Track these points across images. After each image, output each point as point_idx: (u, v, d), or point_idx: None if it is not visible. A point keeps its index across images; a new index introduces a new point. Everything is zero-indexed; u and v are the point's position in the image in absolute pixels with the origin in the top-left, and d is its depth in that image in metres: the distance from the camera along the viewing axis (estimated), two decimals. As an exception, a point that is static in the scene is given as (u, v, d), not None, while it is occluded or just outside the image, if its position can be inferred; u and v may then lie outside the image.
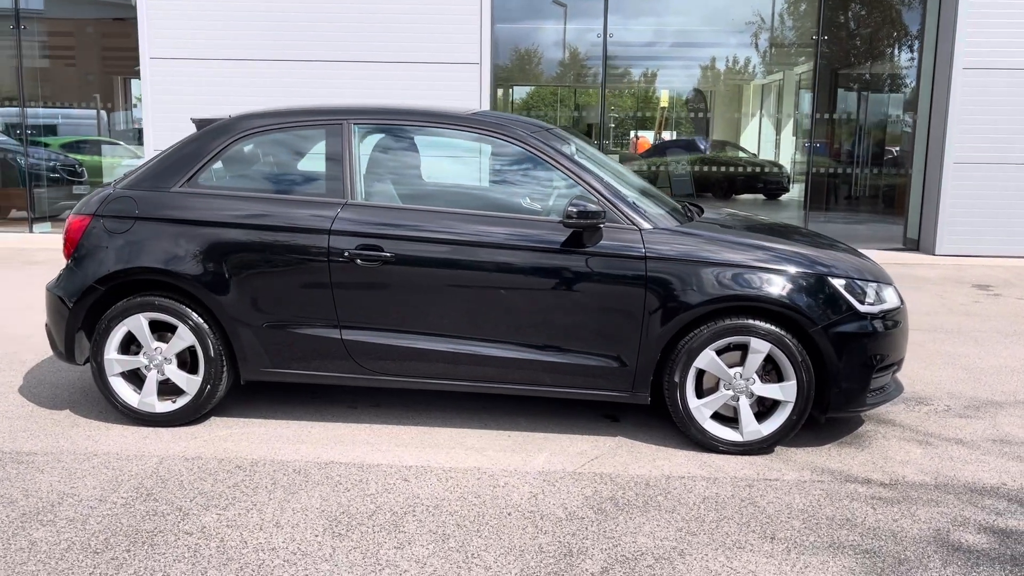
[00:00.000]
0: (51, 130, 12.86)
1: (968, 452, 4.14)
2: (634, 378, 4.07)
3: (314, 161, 4.29)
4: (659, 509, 3.49)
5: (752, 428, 4.04)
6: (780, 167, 16.28)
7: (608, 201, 4.08)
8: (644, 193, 4.64)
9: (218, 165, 4.30)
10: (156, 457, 3.93)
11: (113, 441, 4.11)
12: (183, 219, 4.17)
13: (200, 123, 4.44)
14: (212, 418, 4.43)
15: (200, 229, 4.15)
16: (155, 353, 4.24)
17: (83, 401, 4.63)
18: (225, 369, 4.24)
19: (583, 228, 3.93)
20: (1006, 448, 4.20)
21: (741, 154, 16.84)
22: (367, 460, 3.93)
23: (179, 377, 4.25)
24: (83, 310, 4.23)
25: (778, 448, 4.14)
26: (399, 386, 4.26)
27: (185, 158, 4.30)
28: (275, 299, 4.14)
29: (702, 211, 4.87)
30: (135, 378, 4.32)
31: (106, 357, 4.25)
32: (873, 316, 4.05)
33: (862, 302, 4.03)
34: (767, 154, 16.76)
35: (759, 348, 3.98)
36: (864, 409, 4.11)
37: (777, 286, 3.96)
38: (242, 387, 4.52)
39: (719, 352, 4.04)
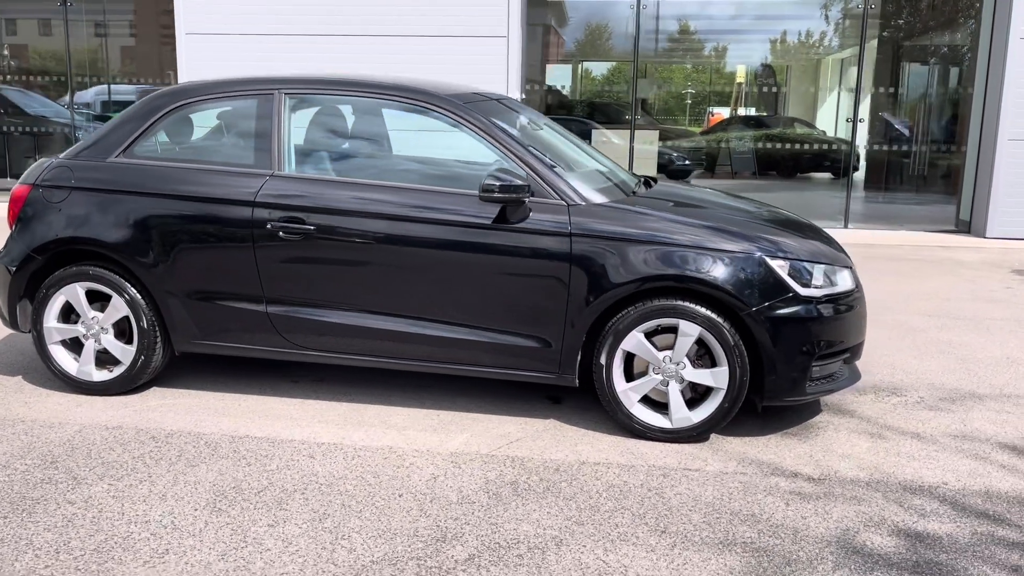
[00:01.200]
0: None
1: (920, 448, 3.86)
2: (560, 359, 3.91)
3: (247, 132, 4.22)
4: (557, 496, 3.35)
5: (682, 415, 3.84)
6: (848, 144, 15.68)
7: (536, 175, 3.91)
8: (592, 168, 4.45)
9: (154, 136, 4.29)
10: (78, 425, 3.96)
11: (45, 408, 4.16)
12: (115, 189, 4.17)
13: (143, 93, 4.42)
14: (153, 388, 4.46)
15: (131, 199, 4.15)
16: (92, 323, 4.27)
17: (39, 369, 4.71)
18: (159, 340, 4.24)
19: (501, 202, 3.78)
20: (964, 445, 3.90)
21: (808, 131, 16.21)
22: (282, 435, 3.89)
23: (114, 347, 4.27)
24: (24, 278, 4.29)
25: (714, 436, 3.94)
26: (326, 362, 4.20)
27: (123, 129, 4.30)
28: (203, 271, 4.11)
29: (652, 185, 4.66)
30: (77, 347, 4.35)
31: (45, 325, 4.30)
32: (817, 300, 3.79)
33: (806, 285, 3.78)
34: (835, 131, 16.12)
35: (689, 331, 3.77)
36: (805, 398, 3.87)
37: (707, 266, 3.74)
38: (199, 359, 4.52)
39: (651, 334, 3.84)
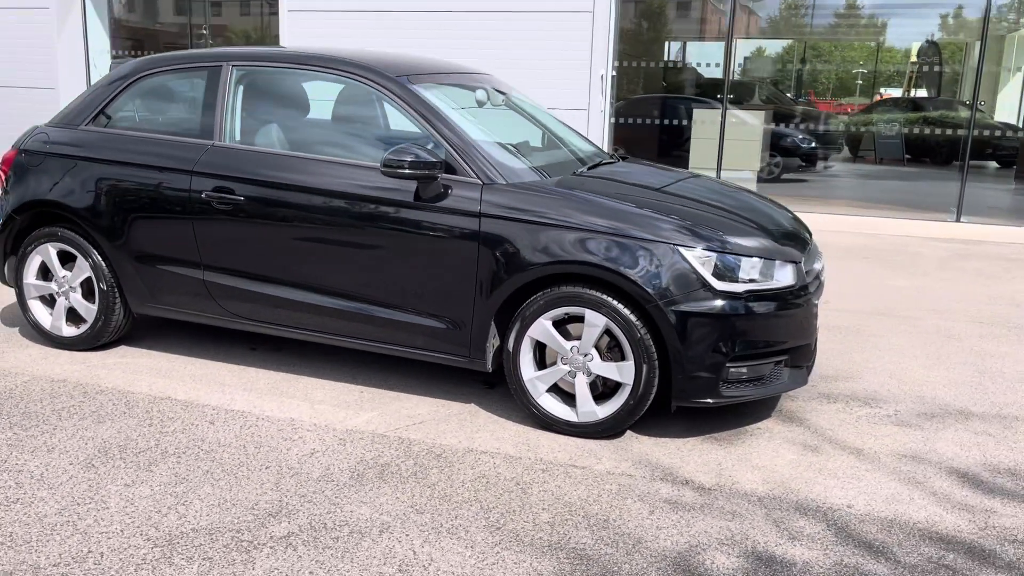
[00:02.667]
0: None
1: (851, 465, 3.48)
2: (471, 343, 3.79)
3: (197, 103, 4.33)
4: (419, 482, 3.26)
5: (588, 409, 3.64)
6: (1017, 130, 14.32)
7: (455, 151, 3.79)
8: (542, 148, 4.27)
9: (117, 105, 4.47)
10: (28, 376, 4.21)
11: (14, 359, 4.45)
12: (78, 156, 4.39)
13: (115, 65, 4.62)
14: (121, 346, 4.68)
15: (91, 166, 4.35)
16: (63, 281, 4.52)
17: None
18: (118, 302, 4.44)
19: (407, 178, 3.68)
20: (906, 467, 3.48)
21: (978, 115, 14.97)
22: (201, 399, 3.98)
23: (80, 306, 4.51)
24: (9, 237, 4.60)
25: (628, 434, 3.72)
26: (257, 331, 4.26)
27: (93, 98, 4.51)
28: (150, 237, 4.26)
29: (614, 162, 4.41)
30: (52, 303, 4.63)
31: (25, 281, 4.60)
32: (737, 295, 3.48)
33: (727, 279, 3.48)
34: (1006, 116, 14.80)
35: (595, 322, 3.56)
36: (722, 401, 3.56)
37: (614, 253, 3.51)
38: (182, 322, 4.68)
39: (564, 323, 3.66)
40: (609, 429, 3.63)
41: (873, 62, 17.03)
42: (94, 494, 3.11)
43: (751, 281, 3.53)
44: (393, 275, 3.84)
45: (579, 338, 3.61)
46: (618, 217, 3.57)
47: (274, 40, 13.71)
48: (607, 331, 3.55)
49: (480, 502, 3.12)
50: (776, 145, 13.60)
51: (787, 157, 13.72)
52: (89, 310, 4.48)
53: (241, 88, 4.23)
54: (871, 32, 15.47)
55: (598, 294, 3.52)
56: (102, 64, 12.95)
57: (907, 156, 14.66)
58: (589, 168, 4.30)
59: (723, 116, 10.74)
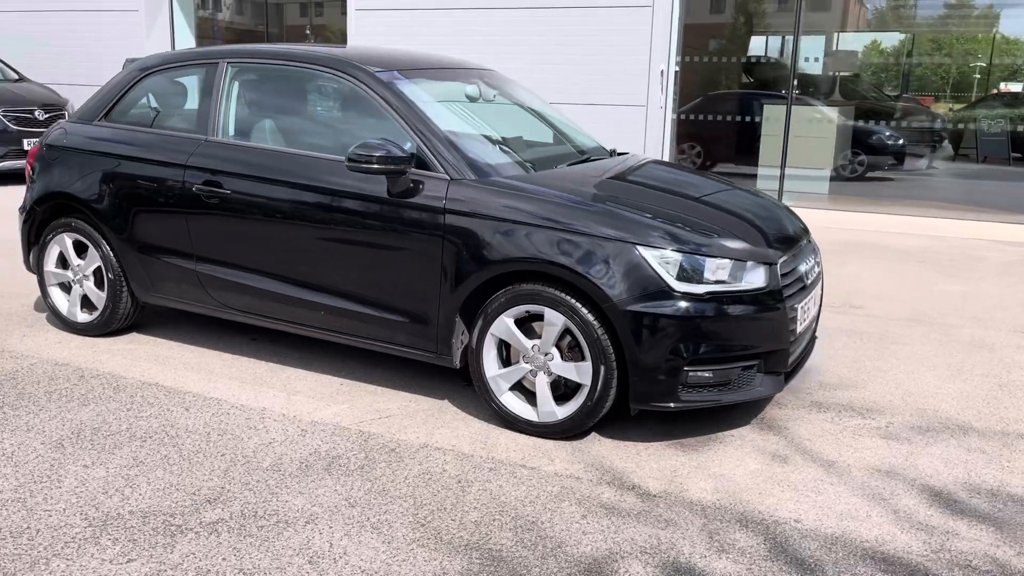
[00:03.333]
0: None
1: (816, 478, 3.32)
2: (437, 339, 3.79)
3: (195, 99, 4.46)
4: (363, 476, 3.28)
5: (548, 409, 3.59)
6: None
7: (426, 146, 3.78)
8: (531, 143, 4.23)
9: (126, 101, 4.65)
10: (36, 359, 4.44)
11: (31, 342, 4.69)
12: (89, 150, 4.59)
13: (128, 62, 4.81)
14: (132, 333, 4.88)
15: (100, 160, 4.54)
16: (77, 270, 4.74)
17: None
18: (124, 290, 4.63)
19: (372, 172, 3.69)
20: (876, 482, 3.30)
21: None
22: (186, 387, 4.11)
23: (92, 293, 4.72)
24: (32, 227, 4.85)
25: (592, 436, 3.64)
26: (246, 321, 4.36)
27: (106, 95, 4.71)
28: (149, 228, 4.42)
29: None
30: (69, 290, 4.86)
31: (45, 269, 4.84)
32: (697, 297, 3.36)
33: (689, 279, 3.36)
34: None
35: (554, 320, 3.50)
36: (682, 406, 3.45)
37: (572, 251, 3.44)
38: (191, 312, 4.85)
39: (527, 321, 3.62)
40: (569, 430, 3.56)
41: (986, 55, 16.11)
42: (53, 473, 3.25)
43: (718, 282, 3.41)
44: (364, 269, 3.87)
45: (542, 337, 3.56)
46: (578, 213, 3.50)
47: (338, 38, 13.97)
48: (568, 330, 3.48)
49: (415, 498, 3.11)
50: (861, 142, 13.05)
51: (873, 155, 13.14)
52: (100, 298, 4.68)
53: (235, 85, 4.33)
54: (983, 23, 14.65)
55: (557, 292, 3.46)
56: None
57: (1014, 155, 13.83)
58: (573, 163, 4.23)
59: (788, 112, 10.38)
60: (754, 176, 11.16)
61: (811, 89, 13.02)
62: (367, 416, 3.81)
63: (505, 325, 3.59)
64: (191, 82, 4.56)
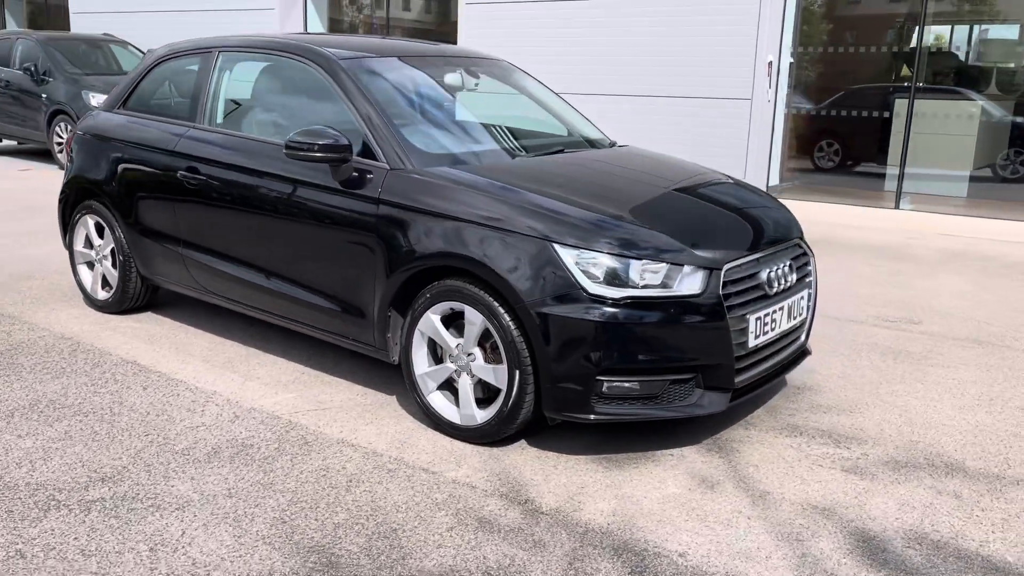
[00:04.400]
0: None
1: (735, 511, 2.97)
2: (375, 333, 3.70)
3: (191, 87, 4.57)
4: (259, 466, 3.24)
5: (469, 412, 3.42)
6: None
7: (372, 135, 3.70)
8: (504, 134, 4.06)
9: (139, 90, 4.84)
10: (46, 331, 4.70)
11: (55, 316, 4.98)
12: (104, 136, 4.82)
13: (149, 53, 5.00)
14: (149, 312, 5.09)
15: (112, 146, 4.76)
16: (98, 250, 5.00)
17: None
18: (134, 270, 4.83)
19: (308, 160, 3.63)
20: (804, 520, 2.91)
21: None
22: (156, 366, 4.22)
23: (109, 273, 4.96)
24: (65, 209, 5.15)
25: (521, 443, 3.44)
26: (225, 306, 4.43)
27: (126, 84, 4.93)
28: (149, 212, 4.58)
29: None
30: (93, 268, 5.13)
31: (74, 248, 5.14)
32: (613, 301, 3.09)
33: (608, 282, 3.10)
34: None
35: (473, 319, 3.33)
36: (597, 418, 3.18)
37: (487, 247, 3.25)
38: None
39: (456, 317, 3.46)
40: (488, 435, 3.38)
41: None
42: (-18, 441, 3.41)
43: (647, 287, 3.12)
44: (313, 258, 3.83)
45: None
46: (503, 208, 3.30)
47: (445, 34, 14.05)
48: (488, 331, 3.30)
49: (296, 494, 3.04)
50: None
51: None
52: (114, 277, 4.91)
53: (224, 74, 4.41)
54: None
55: (477, 290, 3.28)
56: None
57: None
58: (539, 154, 4.01)
59: (910, 107, 9.50)
60: (883, 176, 10.33)
61: (956, 80, 11.84)
62: (305, 407, 3.77)
63: (431, 322, 3.45)
64: (191, 71, 4.67)
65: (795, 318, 3.60)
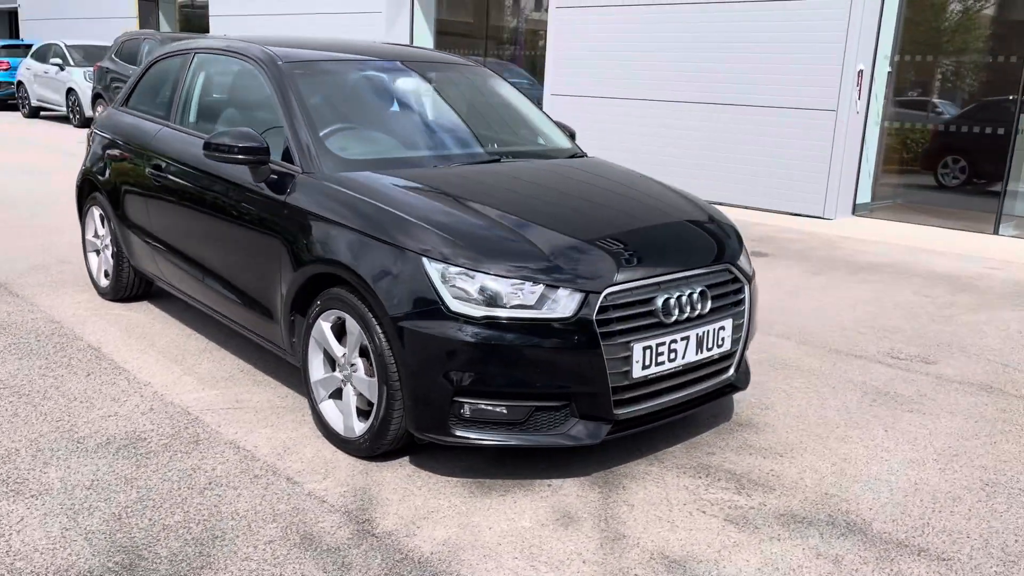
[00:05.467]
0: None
1: (574, 552, 2.77)
2: (283, 336, 3.70)
3: (171, 87, 4.72)
4: (134, 462, 3.28)
5: (350, 423, 3.36)
6: None
7: (291, 138, 3.70)
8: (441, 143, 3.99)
9: (137, 89, 5.05)
10: (40, 314, 4.97)
11: (58, 300, 5.27)
12: (102, 134, 5.06)
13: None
14: (145, 302, 5.31)
15: (108, 142, 4.99)
16: (102, 239, 5.26)
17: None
18: (125, 261, 5.05)
19: (221, 160, 3.65)
20: (638, 571, 2.68)
21: None
22: (113, 354, 4.37)
23: (107, 262, 5.21)
24: (81, 199, 5.45)
25: (399, 461, 3.35)
26: (186, 300, 4.55)
27: (129, 82, 5.16)
28: (131, 205, 4.77)
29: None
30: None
31: (85, 237, 5.43)
32: (474, 320, 2.95)
33: (473, 300, 2.96)
34: None
35: (352, 329, 3.27)
36: (455, 440, 3.03)
37: (364, 256, 3.18)
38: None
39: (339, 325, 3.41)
40: (364, 450, 3.30)
41: None
42: (-82, 415, 3.64)
43: (517, 307, 2.96)
44: (236, 258, 3.87)
45: (364, 346, 3.33)
46: (385, 217, 3.21)
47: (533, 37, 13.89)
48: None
49: (149, 492, 3.06)
50: None
51: None
52: (111, 266, 5.15)
53: (198, 74, 4.53)
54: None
55: (355, 300, 3.21)
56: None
57: None
58: (471, 163, 3.89)
59: (1016, 120, 8.65)
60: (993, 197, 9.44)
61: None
62: (221, 405, 3.81)
63: (322, 330, 3.41)
64: (173, 71, 4.82)
65: (709, 350, 3.31)
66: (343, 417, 3.37)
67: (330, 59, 4.16)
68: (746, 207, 9.78)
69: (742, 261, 3.57)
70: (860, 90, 9.11)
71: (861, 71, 9.04)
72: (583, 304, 2.97)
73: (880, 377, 4.44)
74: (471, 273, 2.97)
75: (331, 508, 2.98)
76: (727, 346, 3.40)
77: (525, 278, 2.97)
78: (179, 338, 4.65)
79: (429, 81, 4.42)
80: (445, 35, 14.42)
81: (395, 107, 4.18)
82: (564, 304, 2.96)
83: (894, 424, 3.85)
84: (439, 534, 2.84)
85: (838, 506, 3.10)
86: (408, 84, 4.30)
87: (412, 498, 3.07)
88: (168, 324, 4.88)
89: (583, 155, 4.39)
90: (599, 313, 2.99)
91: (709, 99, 9.97)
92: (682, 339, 3.19)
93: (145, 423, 3.60)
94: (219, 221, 3.92)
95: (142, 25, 20.33)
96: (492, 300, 2.95)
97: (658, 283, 3.15)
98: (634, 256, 3.19)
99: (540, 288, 2.97)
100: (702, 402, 3.43)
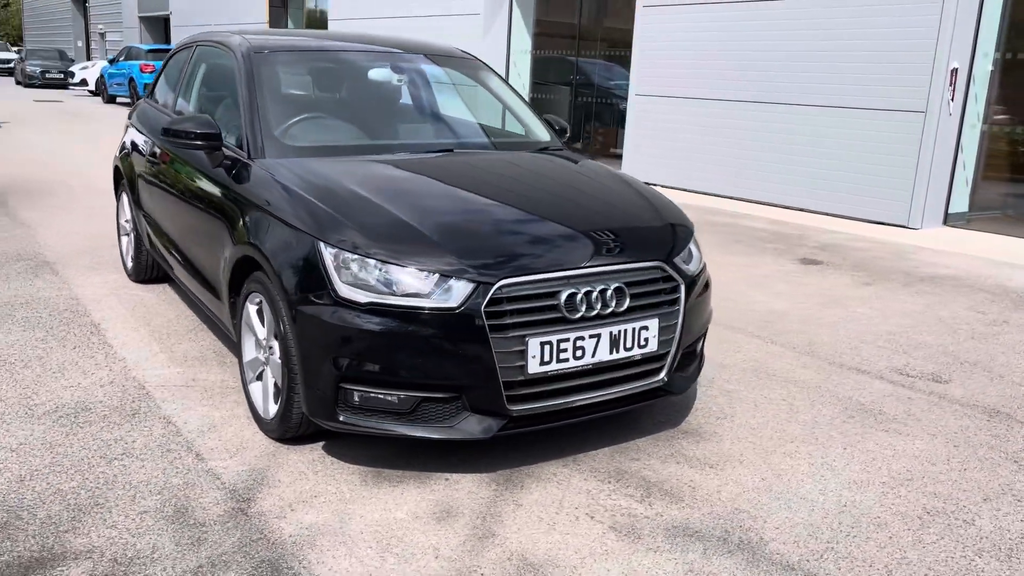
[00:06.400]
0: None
1: (431, 546, 2.71)
2: (228, 317, 3.79)
3: (179, 77, 4.93)
4: (67, 426, 3.44)
5: (266, 406, 3.41)
6: None
7: (245, 125, 3.79)
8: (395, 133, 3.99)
9: (160, 80, 5.30)
10: (65, 291, 5.28)
11: (88, 279, 5.57)
12: (129, 122, 5.34)
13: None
14: (165, 284, 5.56)
15: (130, 131, 5.27)
16: (130, 223, 5.56)
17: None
18: (144, 243, 5.31)
19: (178, 146, 3.79)
20: (487, 570, 2.59)
21: None
22: (108, 332, 4.59)
23: (132, 246, 5.50)
24: (116, 186, 5.78)
25: (311, 446, 3.36)
26: (176, 280, 4.73)
27: (155, 74, 5.42)
28: (141, 190, 5.02)
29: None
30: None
31: (119, 220, 5.75)
32: (359, 306, 2.93)
33: (362, 286, 2.95)
34: None
35: (266, 312, 3.32)
36: (339, 426, 3.02)
37: (273, 240, 3.22)
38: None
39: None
40: (276, 432, 3.33)
41: None
42: (-90, 375, 3.95)
43: (404, 295, 2.92)
44: (199, 241, 3.99)
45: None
46: (298, 202, 3.24)
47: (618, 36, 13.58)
48: (285, 325, 3.26)
49: (59, 458, 3.18)
50: None
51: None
52: (134, 248, 5.42)
53: (193, 66, 4.72)
54: None
55: (268, 282, 3.25)
56: (521, 63, 14.32)
57: None
58: (419, 153, 3.87)
59: None
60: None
61: None
62: (177, 382, 3.94)
63: (247, 312, 3.47)
64: (183, 63, 5.02)
65: (628, 349, 3.15)
66: (263, 399, 3.41)
67: (304, 48, 4.22)
68: (824, 213, 9.28)
69: (681, 260, 3.38)
70: (954, 90, 8.47)
71: (955, 70, 8.40)
72: (473, 295, 2.89)
73: (872, 393, 4.11)
74: (364, 259, 2.95)
75: (220, 486, 3.02)
76: (652, 347, 3.22)
77: (418, 266, 2.92)
78: (174, 319, 4.83)
79: (405, 71, 4.42)
80: (543, 36, 14.40)
81: (361, 96, 4.20)
82: (454, 294, 2.89)
83: (858, 443, 3.55)
84: (308, 519, 2.82)
85: (741, 523, 2.88)
86: (381, 74, 4.31)
87: (303, 482, 3.07)
88: (171, 305, 5.08)
89: (559, 149, 4.27)
90: (491, 305, 2.90)
91: (788, 99, 9.53)
92: (591, 337, 3.05)
93: (99, 395, 3.76)
94: (188, 205, 4.06)
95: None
96: (381, 287, 2.91)
97: (562, 277, 3.03)
98: (540, 250, 3.08)
99: (431, 277, 2.91)
100: (625, 404, 3.27)
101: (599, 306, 3.06)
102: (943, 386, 4.25)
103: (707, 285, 3.62)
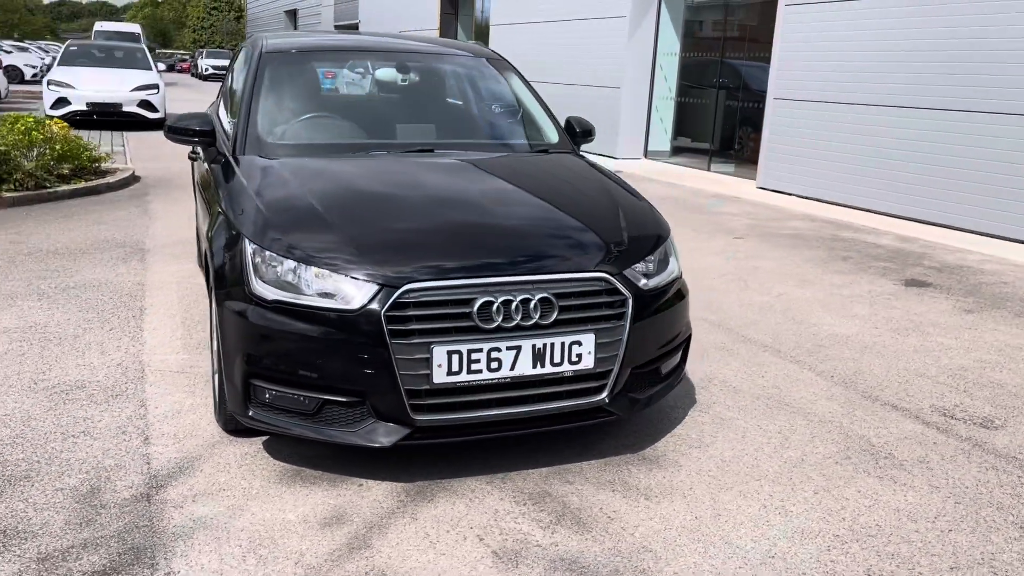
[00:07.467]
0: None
1: (315, 557, 2.66)
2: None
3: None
4: (36, 395, 3.68)
5: (218, 397, 3.49)
6: None
7: (239, 124, 3.90)
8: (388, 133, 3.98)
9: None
10: (140, 275, 5.67)
11: (166, 266, 5.93)
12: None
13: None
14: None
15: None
16: (201, 216, 5.89)
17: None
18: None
19: (179, 143, 3.95)
20: (331, 581, 2.51)
21: None
22: (146, 315, 4.86)
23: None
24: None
25: (252, 441, 3.41)
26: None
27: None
28: (197, 181, 5.30)
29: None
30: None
31: (197, 216, 6.10)
32: (265, 303, 2.93)
33: (276, 284, 2.95)
34: None
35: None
36: (249, 422, 3.03)
37: (217, 235, 3.32)
38: None
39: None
40: (222, 423, 3.40)
41: None
42: (-41, 346, 4.35)
43: (312, 295, 2.89)
44: (202, 232, 4.15)
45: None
46: (241, 200, 3.30)
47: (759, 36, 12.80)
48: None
49: (27, 431, 3.39)
50: None
51: None
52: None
53: (243, 66, 4.89)
54: None
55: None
56: (667, 65, 13.98)
57: None
58: (401, 152, 3.83)
59: None
60: None
61: None
62: (172, 368, 4.10)
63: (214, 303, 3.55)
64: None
65: (555, 365, 2.96)
66: (217, 389, 3.47)
67: (316, 48, 4.28)
68: (967, 230, 8.37)
69: (640, 272, 3.13)
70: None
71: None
72: (374, 297, 2.80)
73: (893, 434, 3.64)
74: (274, 256, 2.94)
75: (145, 471, 3.10)
76: (587, 364, 3.00)
77: (326, 267, 2.88)
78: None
79: (412, 71, 4.37)
80: (692, 37, 13.94)
81: (359, 96, 4.21)
82: (357, 296, 2.82)
83: (836, 488, 3.15)
84: (202, 511, 2.84)
85: (639, 564, 2.62)
86: (387, 74, 4.30)
87: (221, 475, 3.10)
88: (171, 279, 5.31)
89: (564, 152, 4.09)
90: (394, 309, 2.80)
91: (941, 105, 8.68)
92: (509, 349, 2.88)
93: (99, 375, 3.97)
94: (200, 198, 4.22)
95: (442, 35, 21.98)
96: (289, 286, 2.90)
97: (477, 284, 2.88)
98: (459, 255, 2.94)
99: (336, 277, 2.86)
100: (558, 422, 3.07)
101: (519, 317, 2.89)
102: (988, 432, 3.70)
103: (680, 296, 3.35)
